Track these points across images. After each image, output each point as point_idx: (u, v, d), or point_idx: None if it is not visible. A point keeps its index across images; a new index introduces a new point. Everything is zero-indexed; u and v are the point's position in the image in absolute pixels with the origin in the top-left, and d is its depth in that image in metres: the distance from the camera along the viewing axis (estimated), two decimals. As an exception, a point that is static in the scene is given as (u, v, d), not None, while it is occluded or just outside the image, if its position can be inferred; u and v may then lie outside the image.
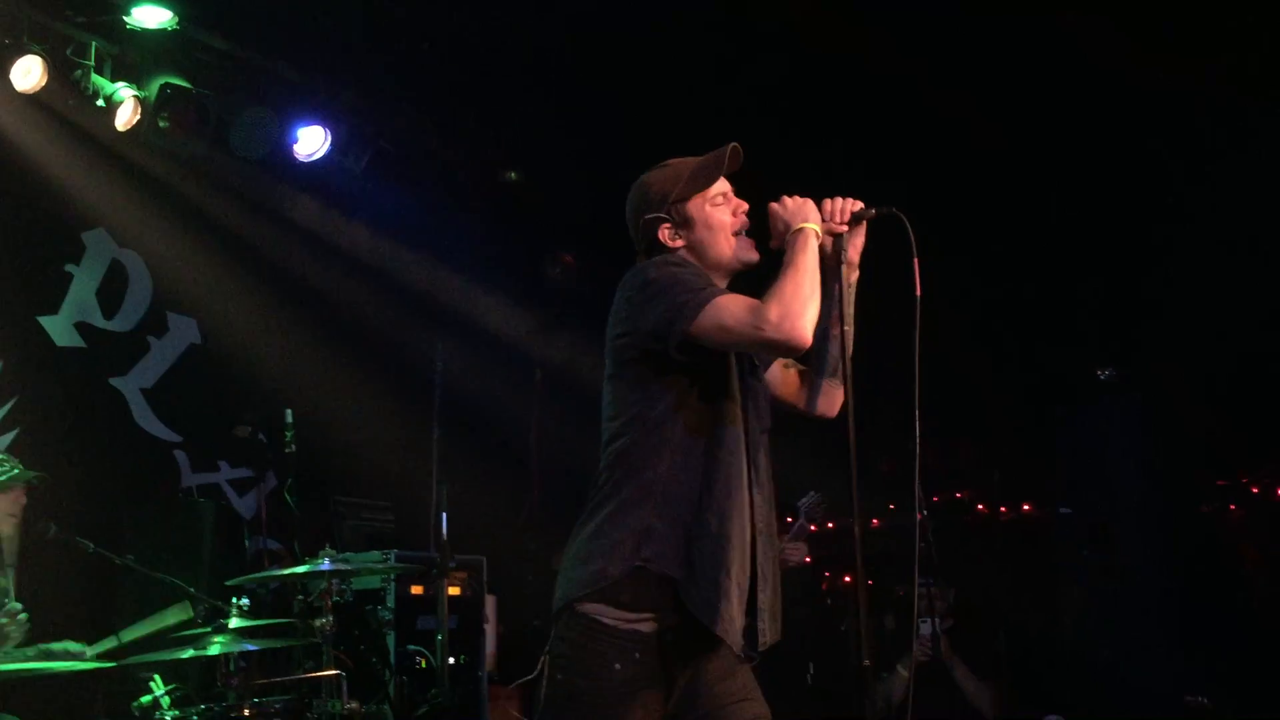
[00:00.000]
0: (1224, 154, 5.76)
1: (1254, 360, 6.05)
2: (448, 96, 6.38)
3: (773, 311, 2.54)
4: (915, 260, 2.62)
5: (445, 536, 5.24)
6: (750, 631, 2.66)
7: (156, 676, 4.31)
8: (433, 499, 6.41)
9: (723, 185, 2.84)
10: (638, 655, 2.56)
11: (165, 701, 4.23)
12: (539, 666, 5.62)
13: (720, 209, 2.82)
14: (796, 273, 2.61)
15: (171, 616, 4.72)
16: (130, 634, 4.61)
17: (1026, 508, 6.88)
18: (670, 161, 2.89)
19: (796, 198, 2.76)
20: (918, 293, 2.61)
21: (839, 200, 2.77)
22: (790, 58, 5.79)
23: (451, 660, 5.39)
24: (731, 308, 2.58)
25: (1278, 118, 5.45)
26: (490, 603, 6.04)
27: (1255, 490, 6.35)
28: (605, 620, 2.57)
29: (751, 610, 2.67)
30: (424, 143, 6.83)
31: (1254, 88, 5.45)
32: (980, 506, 6.90)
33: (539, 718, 2.85)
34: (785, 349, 2.62)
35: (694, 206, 2.81)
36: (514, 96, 6.28)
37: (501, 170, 7.14)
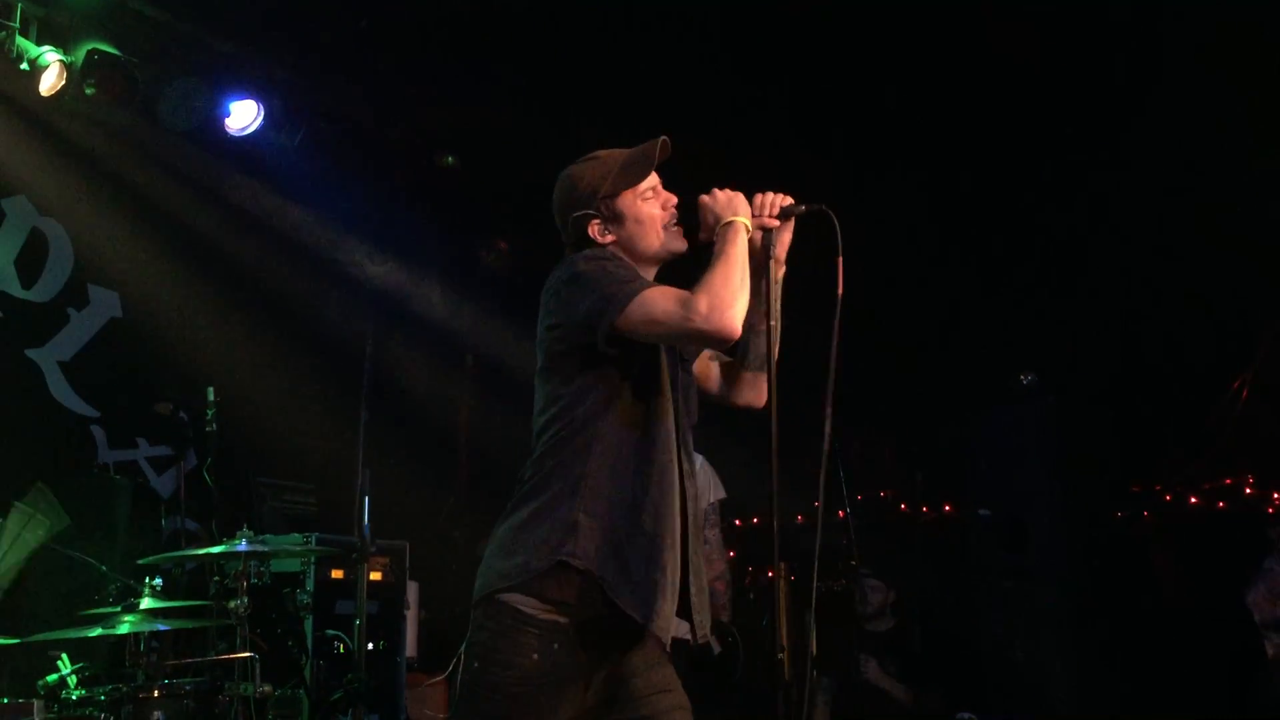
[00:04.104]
0: (1145, 155, 5.87)
1: (1169, 370, 6.20)
2: (385, 75, 6.31)
3: (702, 303, 2.54)
4: (840, 258, 2.64)
5: (367, 520, 5.19)
6: (687, 628, 2.67)
7: (64, 655, 4.23)
8: (357, 482, 6.35)
9: (652, 179, 2.83)
10: (556, 646, 2.55)
11: (72, 680, 4.15)
12: (455, 660, 5.60)
13: (650, 203, 2.81)
14: (726, 264, 2.61)
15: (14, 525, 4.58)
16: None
17: (947, 508, 6.98)
18: (598, 154, 2.86)
19: (727, 191, 2.76)
20: (840, 290, 2.63)
21: (769, 195, 2.77)
22: (726, 48, 5.82)
23: (370, 646, 5.35)
24: (660, 300, 2.58)
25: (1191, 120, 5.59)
26: (412, 588, 6.00)
27: (1168, 498, 6.49)
28: (525, 610, 2.56)
29: (685, 608, 2.67)
30: (360, 121, 6.74)
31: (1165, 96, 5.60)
32: (903, 506, 6.99)
33: (456, 708, 2.83)
34: (714, 340, 2.62)
35: (624, 202, 2.79)
36: (452, 79, 6.22)
37: (438, 153, 7.07)
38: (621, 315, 2.56)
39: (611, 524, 2.59)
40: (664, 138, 2.79)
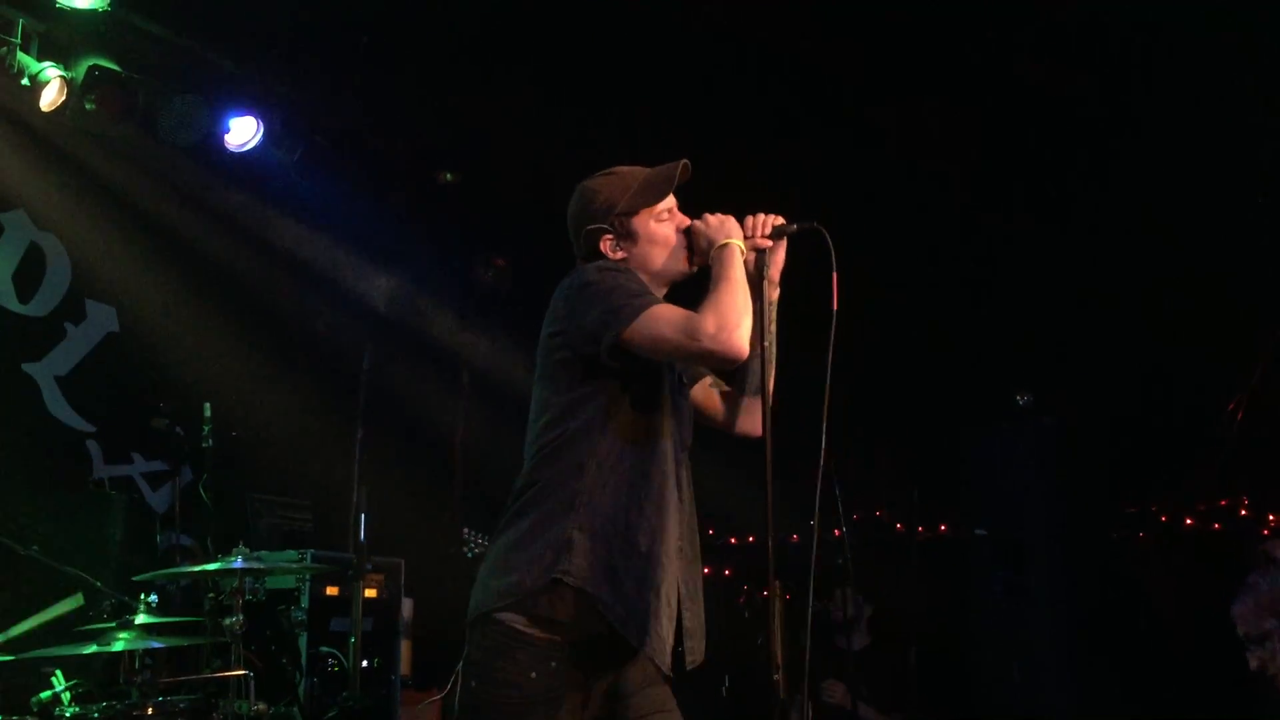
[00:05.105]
0: (1144, 173, 5.89)
1: (1166, 391, 6.20)
2: (384, 92, 6.33)
3: (709, 323, 2.54)
4: (835, 275, 2.63)
5: (363, 538, 5.18)
6: (677, 652, 2.66)
7: (58, 671, 4.20)
8: (353, 499, 6.34)
9: (669, 201, 2.84)
10: (554, 664, 2.54)
11: (66, 698, 4.13)
12: (453, 678, 5.59)
13: (665, 224, 2.82)
14: (729, 285, 2.61)
15: (61, 607, 4.58)
16: (20, 628, 4.46)
17: (944, 528, 6.97)
18: (616, 170, 2.87)
19: (719, 215, 2.77)
20: (834, 307, 2.64)
21: (760, 216, 2.78)
22: (723, 61, 5.83)
23: (365, 663, 5.33)
24: (668, 317, 2.58)
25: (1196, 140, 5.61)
26: (407, 606, 5.98)
27: (1164, 519, 6.49)
28: (521, 628, 2.55)
29: (679, 631, 2.66)
30: (359, 138, 6.76)
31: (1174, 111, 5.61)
32: (899, 525, 6.98)
33: (452, 726, 2.82)
34: (721, 360, 2.62)
35: (639, 221, 2.80)
36: (452, 96, 6.24)
37: (437, 170, 7.08)
38: (628, 329, 2.56)
39: (607, 542, 2.58)
40: (685, 160, 2.79)
